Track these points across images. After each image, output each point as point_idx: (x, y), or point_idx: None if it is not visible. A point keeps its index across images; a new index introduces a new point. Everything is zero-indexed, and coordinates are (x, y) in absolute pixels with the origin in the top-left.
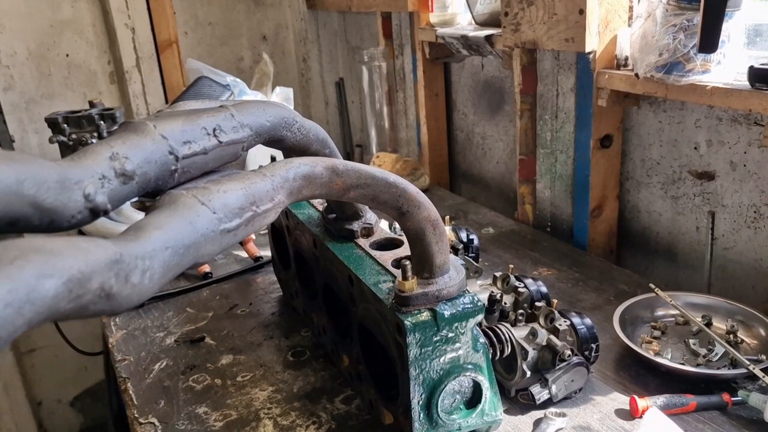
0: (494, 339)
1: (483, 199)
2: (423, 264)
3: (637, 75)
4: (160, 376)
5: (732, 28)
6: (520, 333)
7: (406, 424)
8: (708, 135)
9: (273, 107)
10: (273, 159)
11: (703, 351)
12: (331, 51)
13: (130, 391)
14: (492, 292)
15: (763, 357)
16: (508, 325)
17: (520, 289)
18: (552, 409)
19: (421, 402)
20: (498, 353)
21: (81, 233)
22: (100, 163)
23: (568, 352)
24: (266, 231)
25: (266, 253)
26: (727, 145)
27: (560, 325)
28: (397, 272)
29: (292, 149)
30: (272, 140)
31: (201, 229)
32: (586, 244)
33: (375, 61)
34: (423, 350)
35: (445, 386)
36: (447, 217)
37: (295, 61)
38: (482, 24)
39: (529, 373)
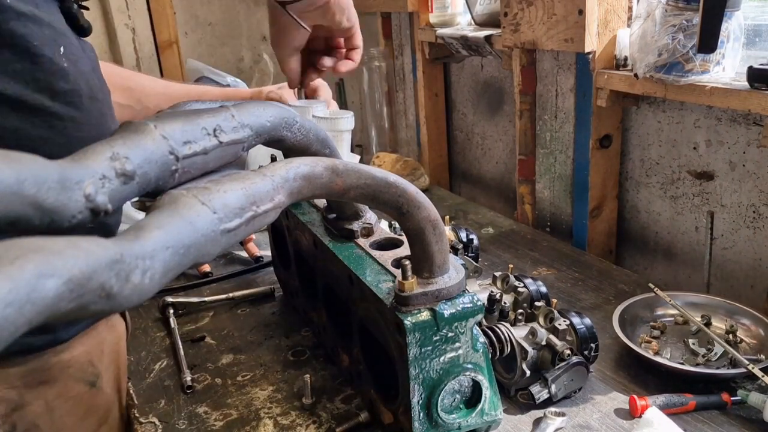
0: (494, 338)
1: (483, 199)
2: (423, 264)
3: (636, 75)
4: (160, 376)
5: (731, 29)
6: (519, 333)
7: (406, 424)
8: (707, 135)
9: (273, 107)
10: (273, 159)
11: (702, 351)
12: None
13: (131, 391)
14: (492, 291)
15: (762, 356)
16: (508, 325)
17: (519, 289)
18: (551, 409)
19: (420, 401)
20: (498, 353)
21: None
22: (100, 163)
23: (568, 351)
24: (266, 231)
25: (266, 253)
26: (726, 145)
27: (560, 324)
28: (397, 272)
29: (292, 149)
30: (272, 140)
31: (201, 229)
32: (585, 244)
33: (375, 62)
34: (423, 350)
35: (445, 386)
36: (447, 217)
37: None
38: (482, 24)
39: (528, 373)
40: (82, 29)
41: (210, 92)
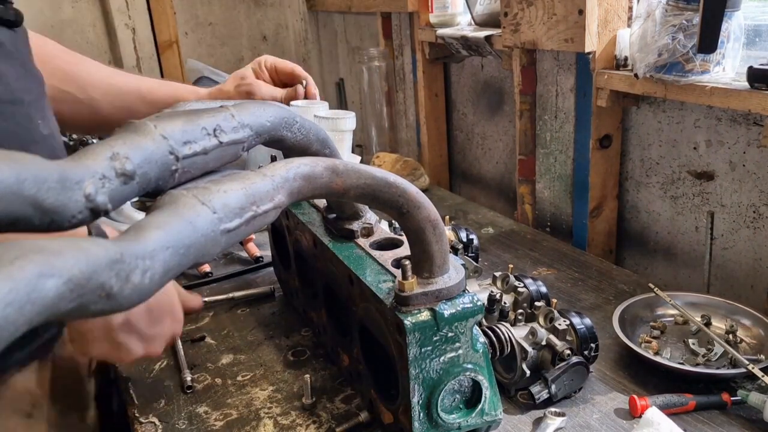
0: (494, 338)
1: (483, 199)
2: (423, 264)
3: (636, 75)
4: (160, 376)
5: (731, 29)
6: (519, 333)
7: (406, 424)
8: (707, 135)
9: (273, 107)
10: (273, 159)
11: (702, 350)
12: (331, 51)
13: (131, 391)
14: (492, 291)
15: (762, 356)
16: (508, 325)
17: (519, 289)
18: (551, 409)
19: (420, 401)
20: (498, 353)
21: None
22: (100, 163)
23: (568, 351)
24: (266, 231)
25: (266, 253)
26: (726, 145)
27: (560, 324)
28: (397, 272)
29: (292, 149)
30: (272, 140)
31: (201, 228)
32: (585, 244)
33: (375, 62)
34: (423, 350)
35: (445, 386)
36: (447, 217)
37: (296, 61)
38: (482, 24)
39: (528, 373)
40: (9, 22)
41: (159, 90)
